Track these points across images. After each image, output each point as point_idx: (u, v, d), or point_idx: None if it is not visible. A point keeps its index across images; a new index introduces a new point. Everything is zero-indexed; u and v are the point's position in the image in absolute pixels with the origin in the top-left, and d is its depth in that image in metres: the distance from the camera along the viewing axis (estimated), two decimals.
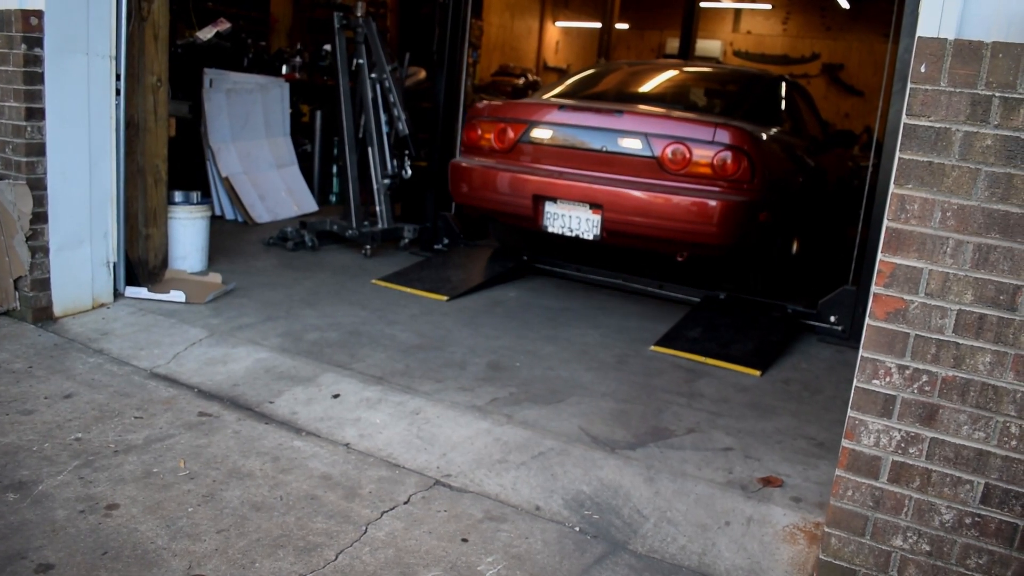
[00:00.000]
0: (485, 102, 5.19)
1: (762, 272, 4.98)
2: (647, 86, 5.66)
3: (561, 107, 4.70)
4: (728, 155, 4.22)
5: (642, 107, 4.78)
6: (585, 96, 5.33)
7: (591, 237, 4.52)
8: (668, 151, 4.31)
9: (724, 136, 4.25)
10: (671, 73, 5.93)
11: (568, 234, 4.58)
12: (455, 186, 5.06)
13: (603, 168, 4.50)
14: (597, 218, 4.45)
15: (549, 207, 4.62)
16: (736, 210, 4.20)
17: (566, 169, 4.60)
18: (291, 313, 4.38)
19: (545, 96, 5.45)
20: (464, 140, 5.12)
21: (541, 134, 4.72)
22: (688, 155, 4.27)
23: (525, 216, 4.73)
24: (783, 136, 5.08)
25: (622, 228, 4.43)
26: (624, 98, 5.27)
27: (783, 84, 5.67)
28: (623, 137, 4.43)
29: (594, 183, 4.45)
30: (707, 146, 4.25)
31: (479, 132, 4.99)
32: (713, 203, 4.19)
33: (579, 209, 4.52)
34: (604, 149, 4.48)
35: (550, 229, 4.64)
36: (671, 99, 5.30)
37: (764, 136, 4.62)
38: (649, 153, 4.36)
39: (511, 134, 4.83)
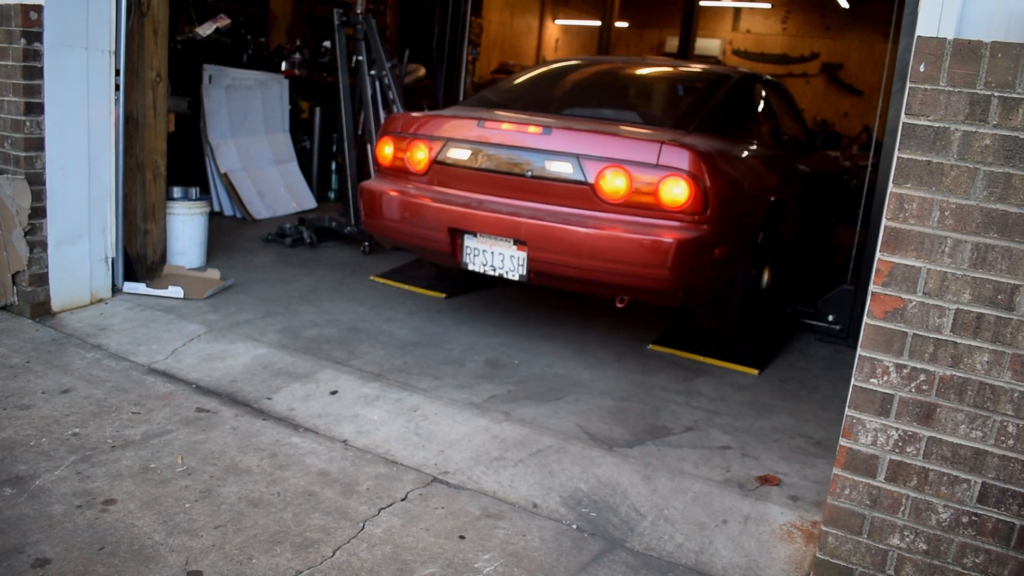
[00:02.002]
0: (401, 113, 4.38)
1: (719, 315, 4.27)
2: (595, 91, 4.86)
3: (480, 122, 3.90)
4: (675, 181, 3.46)
5: (574, 122, 3.94)
6: (522, 104, 4.51)
7: (516, 278, 3.76)
8: (604, 177, 3.55)
9: (671, 157, 3.48)
10: (626, 74, 5.10)
11: (491, 273, 3.82)
12: (364, 214, 4.26)
13: (530, 196, 3.73)
14: (523, 255, 3.70)
15: (469, 241, 3.85)
16: (684, 249, 3.44)
17: (487, 197, 3.83)
18: (289, 309, 4.38)
19: (475, 104, 4.65)
20: (376, 159, 4.31)
21: (459, 154, 3.92)
22: (628, 181, 3.52)
23: (442, 252, 3.96)
24: (750, 149, 4.37)
25: (549, 269, 3.67)
26: (566, 106, 4.47)
27: (754, 85, 4.96)
28: (552, 159, 3.66)
29: (517, 215, 3.67)
30: (650, 170, 3.49)
31: (391, 150, 4.19)
32: (656, 241, 3.43)
33: (502, 245, 3.75)
34: (530, 174, 3.71)
35: (470, 267, 3.88)
36: (621, 107, 4.49)
37: (723, 153, 3.89)
38: (582, 178, 3.60)
39: (426, 153, 4.02)
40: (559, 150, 3.66)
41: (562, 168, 3.64)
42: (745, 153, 4.24)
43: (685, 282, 3.53)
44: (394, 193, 4.06)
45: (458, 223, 3.81)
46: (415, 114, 4.24)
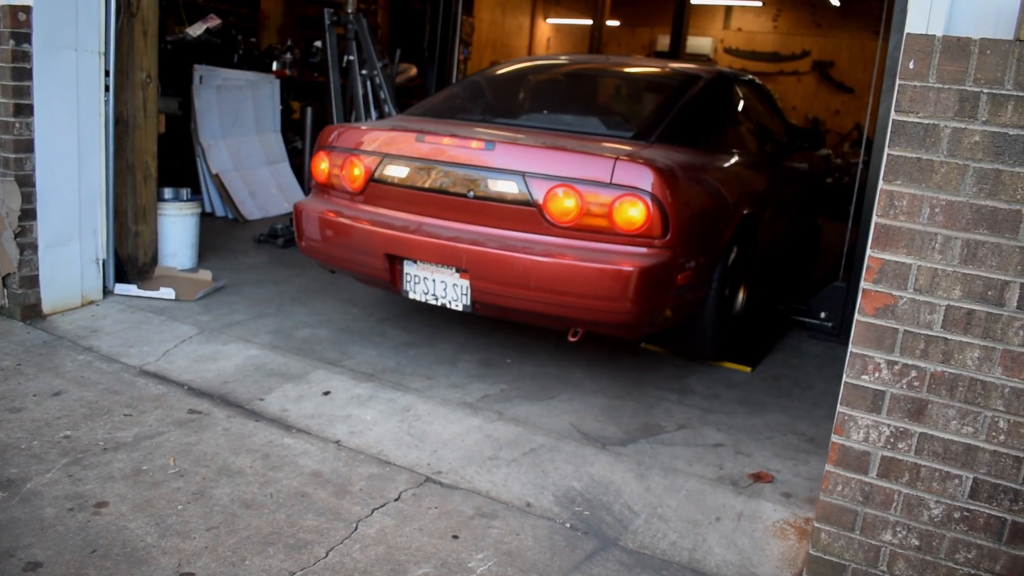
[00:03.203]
0: (337, 125, 4.00)
1: (689, 342, 3.92)
2: (551, 96, 4.48)
3: (419, 136, 3.52)
4: (632, 202, 3.11)
5: (522, 135, 3.57)
6: (472, 112, 4.15)
7: (460, 308, 3.42)
8: (552, 197, 3.20)
9: (626, 175, 3.13)
10: (587, 76, 4.67)
11: (433, 303, 3.48)
12: (298, 236, 3.89)
13: (473, 219, 3.38)
14: (466, 284, 3.34)
15: (408, 268, 3.49)
16: (642, 279, 3.08)
17: (427, 219, 3.47)
18: (282, 310, 4.37)
19: (421, 112, 4.24)
20: (311, 174, 3.92)
21: (396, 172, 3.54)
22: (578, 202, 3.17)
23: (380, 279, 3.62)
24: (721, 158, 3.97)
25: (494, 300, 3.33)
26: (519, 113, 4.13)
27: (727, 85, 4.48)
28: (495, 178, 3.30)
29: (458, 239, 3.31)
30: (603, 189, 3.14)
31: (326, 166, 3.80)
32: (610, 269, 3.07)
33: (443, 273, 3.40)
34: (472, 194, 3.35)
35: (411, 296, 3.53)
36: (578, 114, 4.11)
37: (688, 166, 3.49)
38: (528, 199, 3.24)
39: (362, 170, 3.64)
40: (503, 167, 3.30)
41: (507, 187, 3.29)
42: (715, 163, 3.85)
43: (643, 314, 3.19)
44: (328, 214, 3.70)
45: (395, 248, 3.47)
46: (352, 126, 3.88)
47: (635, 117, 4.07)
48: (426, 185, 3.47)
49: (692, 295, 3.50)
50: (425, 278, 3.47)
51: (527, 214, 3.27)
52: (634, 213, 3.12)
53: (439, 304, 3.47)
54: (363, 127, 3.82)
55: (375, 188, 3.63)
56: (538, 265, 3.16)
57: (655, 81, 4.54)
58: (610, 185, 3.14)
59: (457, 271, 3.37)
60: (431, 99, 4.58)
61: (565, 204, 3.19)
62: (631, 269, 3.06)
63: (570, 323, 3.34)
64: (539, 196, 3.23)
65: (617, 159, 3.16)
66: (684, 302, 3.46)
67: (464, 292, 3.37)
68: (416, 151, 3.51)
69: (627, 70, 4.77)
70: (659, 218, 3.13)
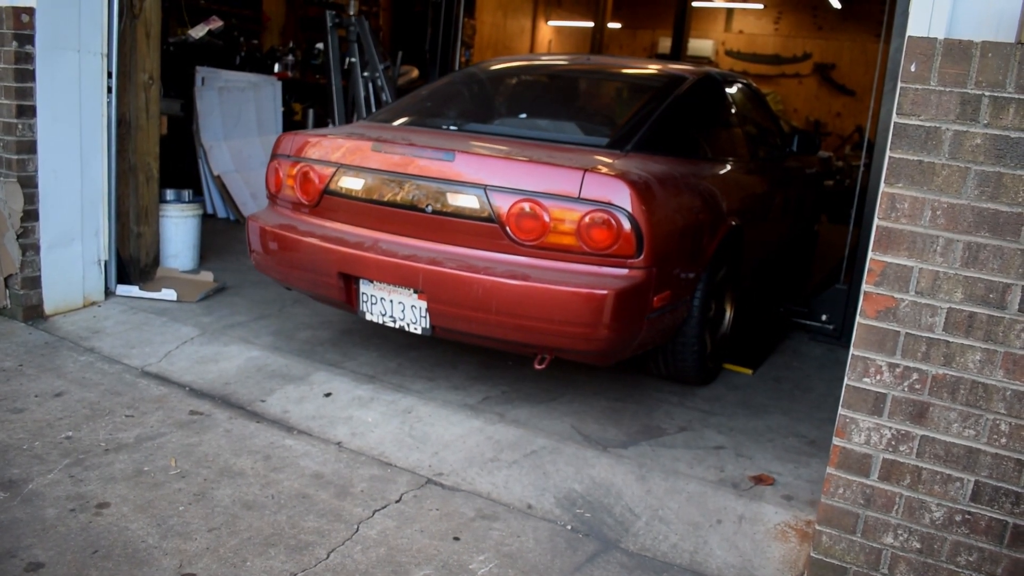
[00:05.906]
0: (292, 132, 3.70)
1: (671, 364, 3.61)
2: (524, 100, 4.22)
3: (375, 144, 3.26)
4: (602, 218, 2.87)
5: (485, 143, 3.32)
6: (440, 117, 3.90)
7: (419, 331, 3.18)
8: (515, 213, 2.95)
9: (596, 188, 2.88)
10: (565, 78, 4.41)
11: (391, 325, 3.25)
12: (250, 251, 3.67)
13: (431, 235, 3.14)
14: (424, 305, 3.12)
15: (365, 288, 3.27)
16: (615, 302, 2.84)
17: (384, 236, 3.24)
18: (283, 311, 4.37)
19: (384, 118, 3.99)
20: (266, 185, 3.69)
21: (351, 184, 3.30)
22: (543, 218, 2.92)
23: (336, 299, 3.40)
24: (704, 167, 3.70)
25: (454, 324, 3.10)
26: (488, 119, 3.89)
27: (714, 87, 4.20)
28: (455, 191, 3.05)
29: (415, 258, 3.07)
30: (571, 204, 2.89)
31: (281, 176, 3.56)
32: (578, 293, 2.83)
33: (401, 293, 3.16)
34: (430, 208, 3.11)
35: (369, 317, 3.31)
36: (552, 119, 3.84)
37: (665, 178, 3.19)
38: (489, 214, 2.99)
39: (316, 182, 3.40)
40: (463, 180, 3.05)
41: (467, 202, 3.04)
42: (698, 173, 3.57)
43: (616, 340, 2.95)
44: (280, 228, 3.47)
45: (349, 267, 3.24)
46: (308, 133, 3.62)
47: (611, 123, 3.83)
48: (382, 198, 3.23)
49: (671, 317, 3.26)
50: (382, 298, 3.25)
51: (489, 231, 3.03)
52: (605, 230, 2.89)
53: (397, 326, 3.25)
54: (320, 134, 3.57)
55: (329, 201, 3.40)
56: (500, 287, 2.92)
57: (635, 83, 4.28)
58: (579, 200, 2.89)
59: (415, 292, 3.14)
60: (399, 102, 4.32)
61: (530, 220, 2.95)
62: (602, 292, 2.83)
63: (537, 349, 3.12)
64: (501, 211, 2.99)
65: (586, 171, 2.91)
66: (662, 325, 3.21)
67: (422, 314, 3.15)
68: (372, 161, 3.26)
69: (607, 71, 4.53)
70: (633, 236, 2.89)
